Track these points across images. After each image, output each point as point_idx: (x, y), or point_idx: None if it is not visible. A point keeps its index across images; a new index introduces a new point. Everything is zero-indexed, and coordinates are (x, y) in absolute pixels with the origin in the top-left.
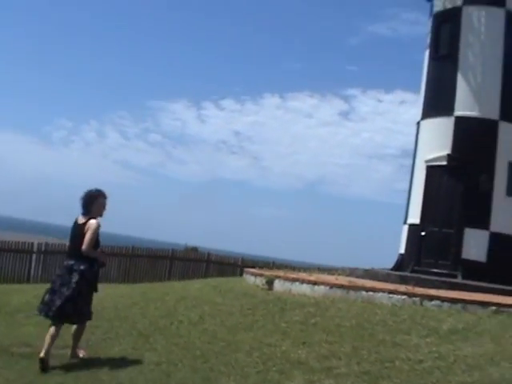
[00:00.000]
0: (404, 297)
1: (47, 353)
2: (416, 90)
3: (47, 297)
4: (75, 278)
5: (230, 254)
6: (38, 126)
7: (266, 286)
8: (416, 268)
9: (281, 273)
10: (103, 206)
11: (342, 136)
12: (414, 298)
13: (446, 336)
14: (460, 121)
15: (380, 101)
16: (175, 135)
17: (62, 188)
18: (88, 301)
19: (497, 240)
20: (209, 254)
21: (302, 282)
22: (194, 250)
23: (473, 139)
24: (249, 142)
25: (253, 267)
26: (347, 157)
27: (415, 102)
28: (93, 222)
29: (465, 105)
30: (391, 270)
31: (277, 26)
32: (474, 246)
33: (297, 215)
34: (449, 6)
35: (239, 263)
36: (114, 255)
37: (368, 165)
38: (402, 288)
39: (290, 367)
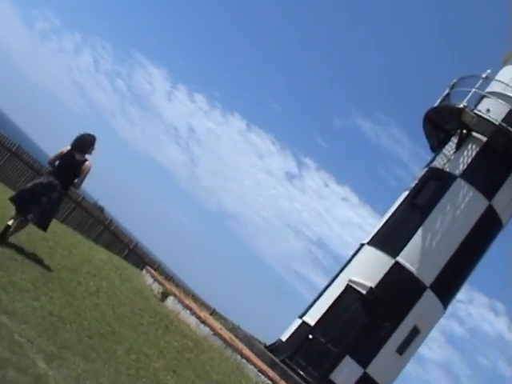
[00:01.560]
0: (269, 382)
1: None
2: (360, 201)
3: (28, 194)
4: (55, 195)
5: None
6: (28, 6)
7: (160, 297)
8: (287, 361)
9: (177, 291)
10: (93, 150)
11: (276, 191)
12: None
13: None
14: (397, 267)
15: (326, 185)
16: (139, 95)
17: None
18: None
19: (366, 381)
20: (110, 221)
21: (193, 313)
22: (101, 209)
23: (398, 288)
24: (196, 144)
25: (142, 258)
26: (270, 211)
27: (355, 207)
28: (89, 164)
29: (409, 256)
30: (266, 347)
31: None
32: (345, 375)
33: (199, 235)
34: (447, 169)
35: (131, 246)
36: None
37: (282, 230)
38: (271, 373)
39: None
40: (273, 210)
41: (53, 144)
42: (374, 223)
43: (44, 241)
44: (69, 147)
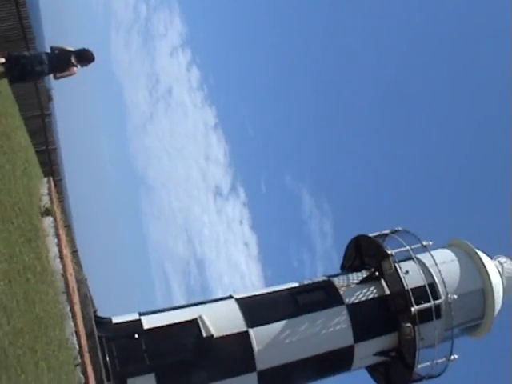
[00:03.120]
0: (77, 348)
1: None
2: (258, 256)
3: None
4: (39, 68)
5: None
6: None
7: (43, 210)
8: (103, 341)
9: (59, 217)
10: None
11: (197, 194)
12: None
13: None
14: (241, 336)
15: (241, 222)
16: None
17: None
18: None
19: None
20: (49, 115)
21: (58, 245)
22: (49, 98)
23: (233, 353)
24: (164, 106)
25: (52, 164)
26: (181, 205)
27: (249, 258)
28: (76, 71)
29: (259, 336)
30: (95, 315)
31: None
32: None
33: (110, 181)
34: (340, 291)
35: (50, 147)
36: None
37: (178, 229)
38: (83, 341)
39: None
40: (184, 207)
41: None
42: (254, 285)
43: None
44: (72, 49)
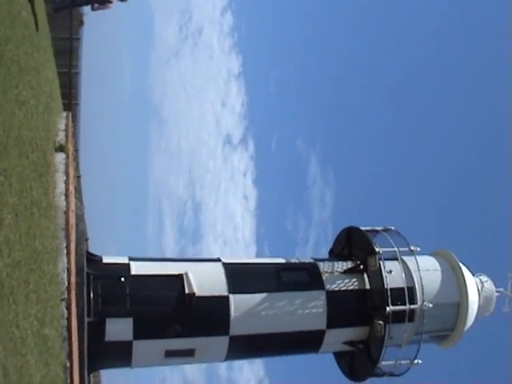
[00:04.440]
0: (66, 284)
1: None
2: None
3: None
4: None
5: None
6: None
7: (57, 146)
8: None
9: (71, 154)
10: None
11: (208, 139)
12: None
13: None
14: (221, 300)
15: (244, 175)
16: None
17: None
18: None
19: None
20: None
21: (66, 182)
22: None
23: (210, 315)
24: (191, 44)
25: (72, 98)
26: (190, 146)
27: (247, 212)
28: (113, 5)
29: (239, 302)
30: (87, 251)
31: None
32: (115, 330)
33: (122, 108)
34: (323, 277)
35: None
36: None
37: (181, 169)
38: (73, 277)
39: None
40: (192, 148)
41: None
42: (245, 239)
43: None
44: None
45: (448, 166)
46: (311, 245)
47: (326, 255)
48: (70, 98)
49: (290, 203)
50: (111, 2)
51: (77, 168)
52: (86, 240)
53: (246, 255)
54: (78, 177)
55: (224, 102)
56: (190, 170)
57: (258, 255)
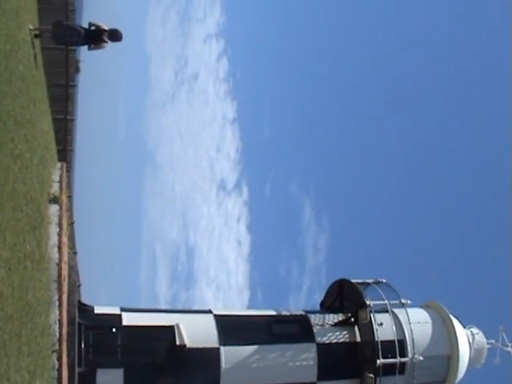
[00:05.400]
0: (57, 336)
1: None
2: (248, 257)
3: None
4: (75, 39)
5: None
6: None
7: (51, 198)
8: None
9: (65, 204)
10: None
11: (199, 192)
12: None
13: None
14: (209, 352)
15: (238, 221)
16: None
17: None
18: None
19: None
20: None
21: (59, 234)
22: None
23: (196, 369)
24: (187, 88)
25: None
26: (182, 192)
27: (240, 259)
28: (106, 46)
29: (228, 355)
30: (80, 302)
31: None
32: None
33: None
34: (314, 330)
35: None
36: None
37: (174, 214)
38: (65, 329)
39: None
40: (186, 193)
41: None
42: (238, 284)
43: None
44: (106, 28)
45: (441, 216)
46: (305, 290)
47: (318, 302)
48: (65, 145)
49: (283, 249)
50: (106, 42)
51: (70, 215)
52: (78, 286)
53: (240, 300)
54: (71, 223)
55: (219, 147)
56: (184, 214)
57: (251, 300)
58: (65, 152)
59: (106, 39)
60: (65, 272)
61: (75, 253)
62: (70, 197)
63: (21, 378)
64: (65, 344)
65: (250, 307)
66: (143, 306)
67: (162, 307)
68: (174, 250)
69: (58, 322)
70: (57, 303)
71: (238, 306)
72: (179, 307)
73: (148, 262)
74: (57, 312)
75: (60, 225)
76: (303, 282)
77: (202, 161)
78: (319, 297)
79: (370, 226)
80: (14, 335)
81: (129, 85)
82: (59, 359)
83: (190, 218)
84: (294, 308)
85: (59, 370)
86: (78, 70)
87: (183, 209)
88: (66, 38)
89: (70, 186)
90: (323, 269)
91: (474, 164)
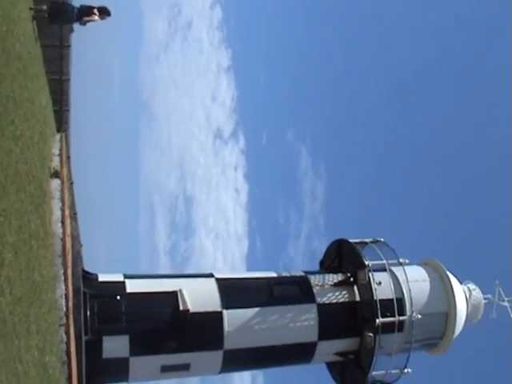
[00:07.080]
0: (64, 310)
1: None
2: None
3: None
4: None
5: None
6: None
7: (52, 172)
8: (86, 296)
9: (66, 180)
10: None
11: (197, 131)
12: None
13: None
14: (214, 316)
15: (235, 169)
16: None
17: None
18: None
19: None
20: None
21: (62, 209)
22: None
23: (202, 331)
24: (180, 37)
25: (65, 121)
26: (179, 139)
27: (238, 207)
28: (96, 19)
29: (230, 317)
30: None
31: None
32: (112, 347)
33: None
34: (314, 290)
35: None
36: None
37: (171, 163)
38: (70, 302)
39: None
40: (182, 143)
41: None
42: (237, 233)
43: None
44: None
45: (437, 172)
46: (303, 237)
47: (316, 249)
48: (60, 105)
49: (281, 196)
50: (96, 14)
51: (69, 174)
52: (81, 246)
53: (239, 248)
54: (71, 183)
55: (214, 96)
56: (181, 164)
57: (250, 249)
58: (61, 112)
59: (96, 12)
60: (68, 245)
61: (75, 213)
62: (68, 157)
63: (31, 356)
64: (71, 317)
65: (249, 256)
66: (143, 256)
67: (162, 257)
68: (172, 200)
69: (64, 296)
70: (62, 277)
71: (238, 255)
72: (179, 257)
73: (146, 213)
74: (63, 286)
75: (62, 199)
76: (301, 229)
77: (197, 110)
78: (318, 243)
79: (366, 173)
80: (23, 316)
81: (122, 37)
82: (67, 332)
83: (187, 167)
84: (294, 267)
85: (67, 343)
86: (72, 30)
87: (180, 159)
88: (62, 15)
89: (67, 144)
90: (321, 216)
91: (472, 116)
